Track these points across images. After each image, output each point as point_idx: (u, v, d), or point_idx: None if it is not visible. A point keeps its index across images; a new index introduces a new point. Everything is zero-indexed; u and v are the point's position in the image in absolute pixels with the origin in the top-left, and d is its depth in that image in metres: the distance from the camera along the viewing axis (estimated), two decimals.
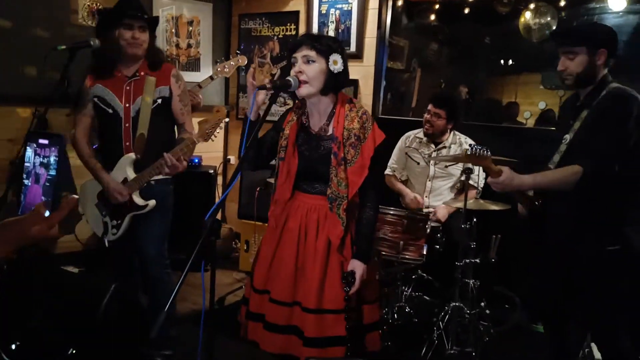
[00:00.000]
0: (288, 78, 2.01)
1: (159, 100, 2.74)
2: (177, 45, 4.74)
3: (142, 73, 2.72)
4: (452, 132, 3.66)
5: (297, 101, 2.24)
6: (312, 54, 2.02)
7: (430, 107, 3.59)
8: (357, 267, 2.07)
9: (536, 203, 2.49)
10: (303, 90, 2.04)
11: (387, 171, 3.86)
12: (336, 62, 2.03)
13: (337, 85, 2.11)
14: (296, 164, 2.16)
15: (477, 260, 3.13)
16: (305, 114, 2.21)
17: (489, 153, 2.29)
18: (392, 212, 3.12)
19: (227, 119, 2.66)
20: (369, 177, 2.09)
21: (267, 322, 2.16)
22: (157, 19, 2.83)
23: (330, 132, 2.13)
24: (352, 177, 2.08)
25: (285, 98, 4.72)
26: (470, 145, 2.33)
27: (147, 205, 2.72)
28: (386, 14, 4.25)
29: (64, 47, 2.52)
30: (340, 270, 2.10)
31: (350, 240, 2.13)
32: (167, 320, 2.88)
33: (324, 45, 2.03)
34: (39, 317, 2.24)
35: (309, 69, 2.02)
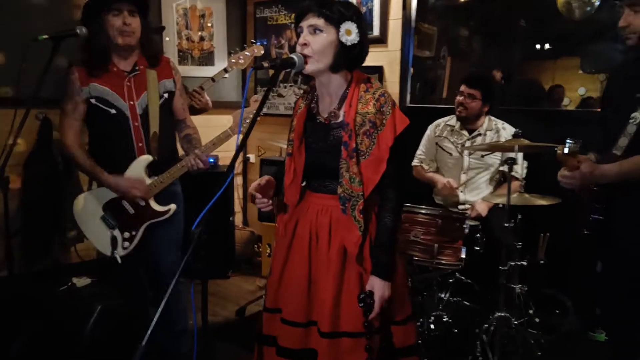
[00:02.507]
0: (291, 55, 1.68)
1: (166, 95, 2.50)
2: (190, 39, 4.47)
3: (142, 66, 2.45)
4: (487, 117, 3.28)
5: (308, 85, 1.92)
6: (320, 22, 1.69)
7: (462, 87, 3.22)
8: (376, 285, 1.72)
9: (594, 189, 2.09)
10: (308, 67, 1.70)
11: (414, 162, 3.51)
12: (349, 32, 1.69)
13: (351, 60, 1.75)
14: (303, 160, 1.83)
15: (524, 263, 2.77)
16: (315, 98, 1.87)
17: (578, 147, 1.88)
18: (423, 212, 2.76)
19: (265, 109, 2.36)
20: (388, 172, 1.74)
21: (279, 346, 1.84)
22: (146, 1, 2.48)
23: (340, 118, 1.79)
24: (366, 173, 1.73)
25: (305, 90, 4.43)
26: (568, 142, 1.91)
27: (168, 210, 2.48)
28: None
29: (45, 36, 2.24)
30: (359, 285, 1.76)
31: (370, 247, 1.78)
32: (178, 336, 2.66)
33: (335, 11, 1.69)
34: (22, 341, 1.98)
35: (315, 40, 1.68)
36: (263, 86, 4.71)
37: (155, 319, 1.32)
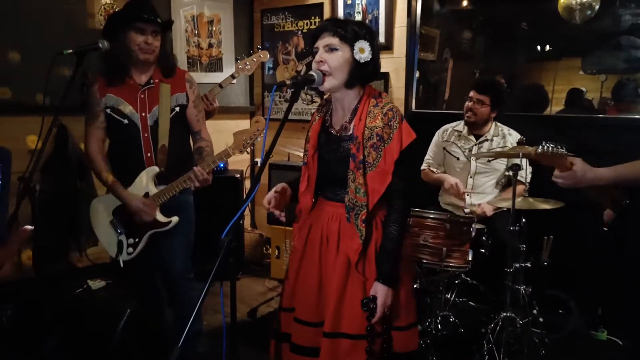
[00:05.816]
0: (311, 72, 1.78)
1: (177, 109, 2.57)
2: (198, 46, 4.56)
3: (157, 80, 2.54)
4: (494, 123, 3.37)
5: (323, 98, 2.02)
6: (335, 41, 1.78)
7: (472, 93, 3.31)
8: (379, 291, 1.80)
9: (623, 203, 2.11)
10: (325, 84, 1.80)
11: (423, 166, 3.59)
12: (363, 50, 1.78)
13: (364, 76, 1.85)
14: (316, 169, 1.93)
15: (529, 265, 2.85)
16: (329, 111, 1.97)
17: (564, 150, 1.93)
18: (432, 217, 2.84)
19: (265, 131, 2.42)
20: (395, 184, 1.81)
21: (293, 343, 1.94)
22: (170, 22, 2.63)
23: (351, 131, 1.88)
24: (371, 184, 1.81)
25: (312, 96, 4.51)
26: (543, 143, 1.96)
27: (169, 222, 2.54)
28: (416, 1, 3.97)
29: (70, 51, 2.35)
30: (363, 289, 1.84)
31: (374, 255, 1.86)
32: (194, 337, 2.75)
33: (349, 31, 1.79)
34: (53, 342, 2.07)
35: (331, 58, 1.78)
36: (269, 91, 4.79)
37: (190, 323, 1.41)
